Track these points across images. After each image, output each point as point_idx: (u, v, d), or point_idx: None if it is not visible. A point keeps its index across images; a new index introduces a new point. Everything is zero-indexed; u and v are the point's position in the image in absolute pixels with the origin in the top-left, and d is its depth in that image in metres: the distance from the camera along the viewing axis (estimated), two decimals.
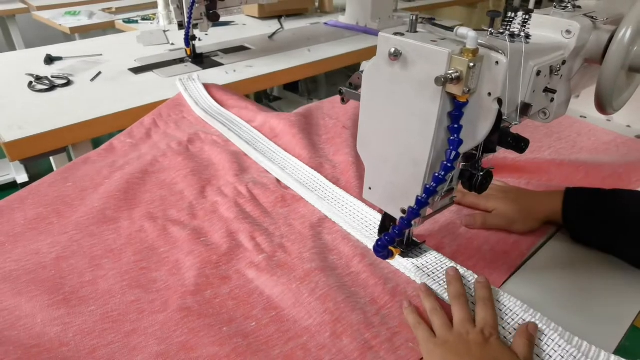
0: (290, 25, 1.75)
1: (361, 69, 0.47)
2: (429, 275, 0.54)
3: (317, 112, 0.96)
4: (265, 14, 1.83)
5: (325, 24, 1.79)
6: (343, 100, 0.53)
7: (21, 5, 2.28)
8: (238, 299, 0.52)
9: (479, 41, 0.37)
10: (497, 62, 0.39)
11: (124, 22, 1.87)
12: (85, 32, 1.93)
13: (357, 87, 0.51)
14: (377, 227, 0.59)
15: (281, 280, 0.54)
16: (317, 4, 2.02)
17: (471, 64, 0.36)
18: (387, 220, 0.53)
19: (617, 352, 0.46)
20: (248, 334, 0.48)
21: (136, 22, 1.86)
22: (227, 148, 0.83)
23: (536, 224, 0.63)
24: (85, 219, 0.63)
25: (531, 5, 0.55)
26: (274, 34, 1.60)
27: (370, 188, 0.51)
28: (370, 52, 0.44)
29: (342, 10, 1.84)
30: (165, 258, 0.58)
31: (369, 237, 0.60)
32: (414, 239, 0.58)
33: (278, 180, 0.74)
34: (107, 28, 1.96)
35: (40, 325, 0.48)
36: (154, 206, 0.67)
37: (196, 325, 0.48)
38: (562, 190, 0.62)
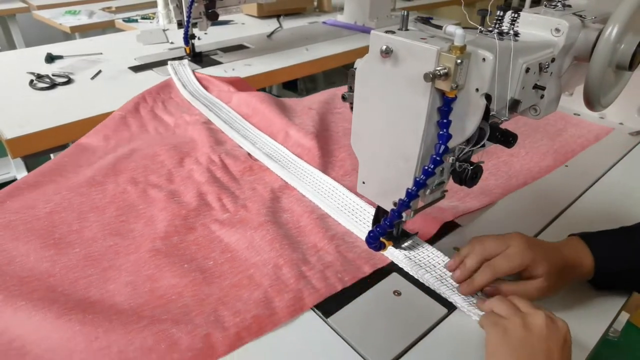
0: (289, 24, 1.77)
1: (354, 66, 0.48)
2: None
3: (288, 99, 1.05)
4: (264, 13, 1.84)
5: (324, 23, 1.80)
6: (352, 109, 0.53)
7: (21, 5, 2.29)
8: (200, 244, 0.61)
9: (466, 39, 0.39)
10: (484, 59, 0.40)
11: (123, 21, 1.88)
12: (85, 31, 1.94)
13: None
14: (330, 190, 0.71)
15: (239, 231, 0.63)
16: (315, 3, 2.03)
17: (459, 61, 0.38)
18: (380, 214, 0.55)
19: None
20: (205, 270, 0.57)
21: (136, 21, 1.88)
22: (208, 126, 0.91)
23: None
24: (76, 184, 0.72)
25: (528, 4, 0.56)
26: (272, 32, 1.62)
27: (363, 182, 0.52)
28: (368, 51, 0.45)
29: (341, 9, 1.85)
30: (143, 214, 0.67)
31: (320, 198, 0.70)
32: (405, 230, 0.59)
33: (249, 154, 0.83)
34: (106, 27, 1.97)
35: (32, 262, 0.57)
36: (137, 173, 0.75)
37: (161, 262, 0.57)
38: (576, 241, 0.54)
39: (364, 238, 0.58)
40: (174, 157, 0.79)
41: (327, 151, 0.83)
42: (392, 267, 0.57)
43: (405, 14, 0.43)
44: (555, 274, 0.50)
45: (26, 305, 0.49)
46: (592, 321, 0.51)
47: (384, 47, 0.42)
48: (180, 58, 1.30)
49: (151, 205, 0.68)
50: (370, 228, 0.52)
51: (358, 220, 0.64)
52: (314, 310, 0.51)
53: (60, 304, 0.50)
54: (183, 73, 1.15)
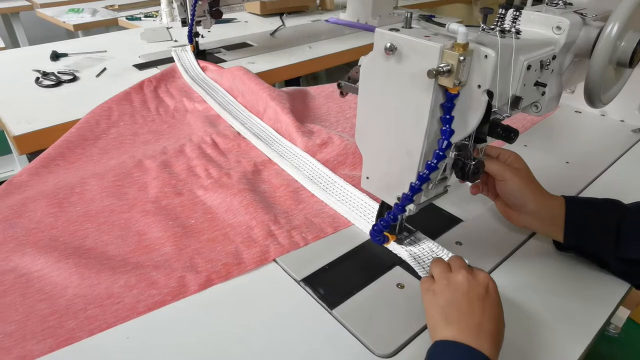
0: (292, 22, 1.77)
1: (359, 64, 0.49)
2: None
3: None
4: (267, 11, 1.84)
5: (326, 21, 1.81)
6: (342, 94, 0.55)
7: (25, 3, 2.30)
8: (185, 206, 0.69)
9: (469, 36, 0.40)
10: (486, 56, 0.41)
11: (126, 19, 1.89)
12: (88, 29, 1.95)
13: (356, 80, 0.53)
14: (305, 163, 0.79)
15: (220, 195, 0.70)
16: (318, 2, 2.04)
17: (461, 58, 0.39)
18: (383, 209, 0.56)
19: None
20: (187, 227, 0.65)
21: (139, 19, 1.88)
22: (205, 113, 0.99)
23: (531, 225, 0.58)
24: (81, 161, 0.81)
25: (530, 2, 0.57)
26: (275, 31, 1.62)
27: (367, 177, 0.53)
28: (371, 49, 0.46)
29: (343, 7, 1.85)
30: (137, 180, 0.75)
31: (298, 172, 0.77)
32: (408, 225, 0.60)
33: (239, 133, 0.90)
34: (109, 25, 1.98)
35: (39, 216, 0.66)
36: (136, 151, 0.84)
37: (150, 220, 0.65)
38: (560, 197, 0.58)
39: (332, 206, 0.69)
40: (170, 139, 0.88)
41: (301, 121, 0.92)
42: (395, 261, 0.58)
43: (409, 14, 0.44)
44: (530, 183, 0.56)
45: (32, 251, 0.58)
46: (591, 314, 0.52)
47: (388, 45, 0.43)
48: None
49: (145, 173, 0.76)
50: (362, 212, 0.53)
51: (328, 190, 0.72)
52: (301, 286, 0.55)
53: (61, 250, 0.59)
54: (185, 58, 1.23)
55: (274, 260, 0.59)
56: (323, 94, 1.09)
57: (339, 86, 0.53)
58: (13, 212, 0.66)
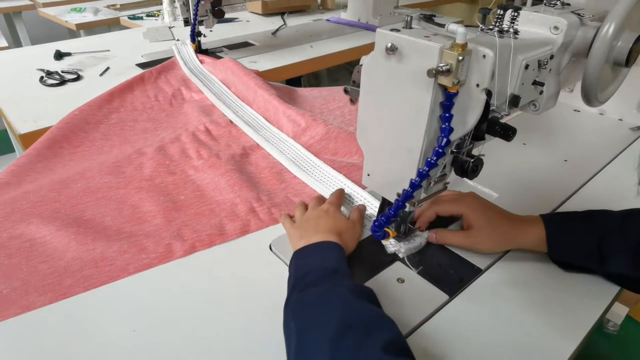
0: (293, 21, 1.78)
1: (360, 63, 0.50)
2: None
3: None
4: (268, 11, 1.86)
5: (328, 20, 1.82)
6: (352, 101, 0.55)
7: (27, 2, 2.31)
8: (176, 184, 0.76)
9: (468, 36, 0.41)
10: (484, 56, 0.42)
11: (128, 18, 1.90)
12: (91, 28, 1.96)
13: (360, 83, 0.54)
14: (292, 151, 0.85)
15: (209, 176, 0.77)
16: (319, 1, 2.05)
17: (460, 57, 0.40)
18: (385, 205, 0.57)
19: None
20: (177, 202, 0.71)
21: (141, 18, 1.89)
22: (201, 103, 1.04)
23: (502, 250, 0.60)
24: (85, 145, 0.88)
25: (529, 3, 0.58)
26: (277, 30, 1.63)
27: (368, 175, 0.54)
28: (371, 48, 0.47)
29: (344, 7, 1.86)
30: (134, 161, 0.81)
31: (282, 156, 0.83)
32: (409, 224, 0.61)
33: (231, 121, 0.96)
34: (112, 24, 1.99)
35: (43, 192, 0.72)
36: (136, 142, 0.89)
37: (144, 196, 0.72)
38: (537, 219, 0.58)
39: (313, 187, 0.74)
40: (167, 129, 0.94)
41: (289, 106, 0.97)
42: (395, 257, 0.59)
43: (409, 18, 0.45)
44: (489, 231, 0.58)
45: (36, 221, 0.65)
46: (585, 310, 0.53)
47: (389, 45, 0.44)
48: None
49: (142, 155, 0.83)
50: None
51: (309, 171, 0.78)
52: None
53: (62, 221, 0.65)
54: (185, 52, 1.29)
55: (278, 256, 0.60)
56: (311, 95, 1.11)
57: (346, 92, 0.54)
58: (20, 186, 0.73)
